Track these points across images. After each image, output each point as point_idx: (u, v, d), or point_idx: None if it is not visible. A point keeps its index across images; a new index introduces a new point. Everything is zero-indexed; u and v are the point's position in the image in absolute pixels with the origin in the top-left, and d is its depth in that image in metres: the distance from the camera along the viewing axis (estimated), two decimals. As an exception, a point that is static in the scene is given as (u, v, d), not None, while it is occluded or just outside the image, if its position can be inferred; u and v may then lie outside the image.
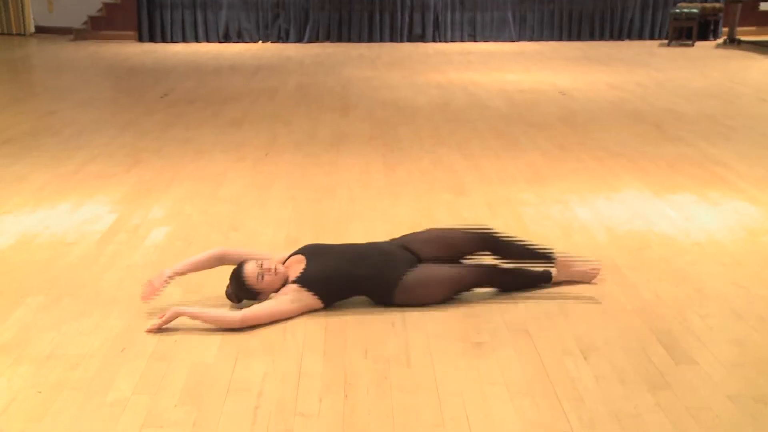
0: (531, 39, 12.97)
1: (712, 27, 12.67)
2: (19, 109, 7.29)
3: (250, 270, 3.18)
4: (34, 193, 4.79)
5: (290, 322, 3.12)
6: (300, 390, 2.64)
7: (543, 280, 3.46)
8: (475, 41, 12.91)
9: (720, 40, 12.46)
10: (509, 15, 12.91)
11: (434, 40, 12.95)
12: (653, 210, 4.49)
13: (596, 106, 7.53)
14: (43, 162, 5.49)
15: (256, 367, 2.79)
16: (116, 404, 2.56)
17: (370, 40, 12.90)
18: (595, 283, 3.46)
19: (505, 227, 4.18)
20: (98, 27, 12.88)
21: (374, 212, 4.45)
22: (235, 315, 3.08)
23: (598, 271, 3.50)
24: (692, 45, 12.13)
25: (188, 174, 5.21)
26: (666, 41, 12.51)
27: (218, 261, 3.36)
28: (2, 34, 12.86)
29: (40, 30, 13.09)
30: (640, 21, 13.03)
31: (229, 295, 3.27)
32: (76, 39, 12.68)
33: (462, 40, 12.96)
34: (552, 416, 2.50)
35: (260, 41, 12.85)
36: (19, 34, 12.89)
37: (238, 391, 2.64)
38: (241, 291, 3.21)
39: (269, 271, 3.17)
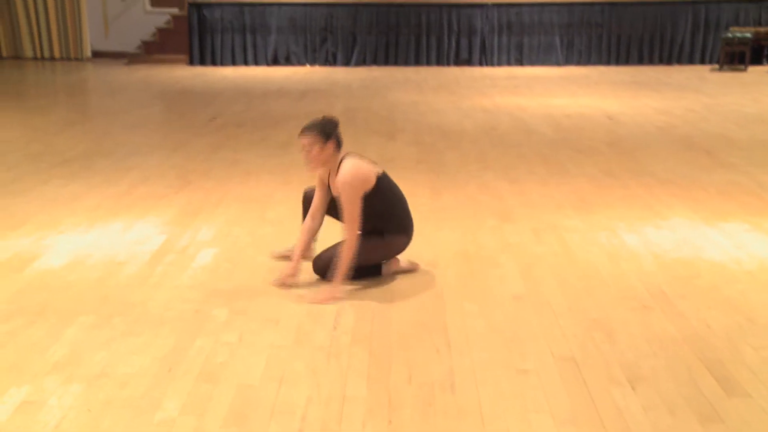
0: (578, 63, 12.91)
1: (765, 52, 12.44)
2: (75, 131, 7.46)
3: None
4: (87, 213, 4.89)
5: (333, 347, 3.13)
6: (344, 414, 2.64)
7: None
8: (521, 65, 12.90)
9: (773, 65, 12.24)
10: (556, 39, 12.88)
11: (480, 64, 12.96)
12: (703, 238, 4.42)
13: (644, 132, 7.45)
14: (97, 183, 5.60)
15: (301, 390, 2.80)
16: (163, 424, 2.59)
17: (417, 63, 12.96)
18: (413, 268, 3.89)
19: (550, 254, 4.16)
20: (151, 51, 13.15)
21: (420, 236, 4.43)
22: (349, 240, 3.59)
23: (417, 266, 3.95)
24: (745, 70, 11.95)
25: (236, 196, 5.27)
26: (717, 66, 12.34)
27: (312, 223, 3.83)
28: (61, 59, 13.21)
29: (96, 54, 13.42)
30: (690, 45, 12.88)
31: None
32: (129, 63, 12.96)
33: (508, 64, 12.96)
34: (598, 447, 2.47)
35: (308, 65, 12.99)
36: (76, 59, 13.23)
37: (283, 414, 2.65)
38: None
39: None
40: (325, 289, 3.61)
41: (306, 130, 3.64)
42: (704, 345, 3.14)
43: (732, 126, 7.67)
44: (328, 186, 3.76)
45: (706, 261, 4.07)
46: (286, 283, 3.72)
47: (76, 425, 2.58)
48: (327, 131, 3.62)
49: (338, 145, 3.67)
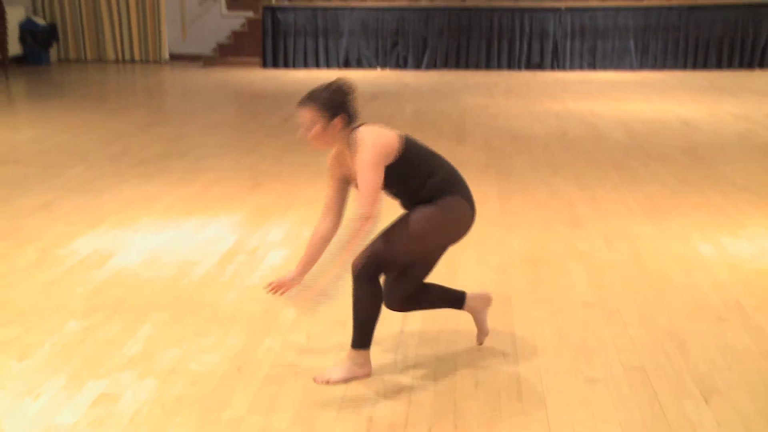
0: (653, 68, 12.64)
1: None
2: (153, 132, 7.65)
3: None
4: (162, 212, 5.01)
5: (401, 349, 3.13)
6: (410, 417, 2.65)
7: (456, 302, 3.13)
8: (594, 70, 12.70)
9: None
10: (631, 43, 12.64)
11: (552, 69, 12.81)
12: (782, 248, 4.28)
13: (722, 139, 7.26)
14: (172, 182, 5.73)
15: (368, 392, 2.82)
16: (232, 422, 2.63)
17: (488, 67, 12.88)
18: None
19: (621, 261, 4.08)
20: (226, 54, 13.38)
21: (488, 240, 4.42)
22: (363, 216, 2.70)
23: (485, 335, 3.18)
24: (829, 74, 11.54)
25: (305, 198, 5.32)
26: (800, 70, 11.94)
27: (324, 223, 2.95)
28: (141, 61, 13.58)
29: (174, 57, 13.74)
30: (772, 49, 12.48)
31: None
32: (205, 65, 13.22)
33: (581, 69, 12.77)
34: (668, 460, 2.42)
35: (379, 68, 13.04)
36: (155, 61, 13.57)
37: (349, 415, 2.67)
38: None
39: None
40: (309, 289, 2.76)
41: (305, 102, 2.80)
42: (781, 359, 3.05)
43: (815, 133, 7.41)
44: (343, 175, 2.92)
45: (784, 272, 3.94)
46: (277, 292, 2.95)
47: (149, 419, 2.64)
48: (334, 104, 2.78)
49: (349, 119, 2.82)
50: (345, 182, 2.94)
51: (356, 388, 2.84)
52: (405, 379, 2.91)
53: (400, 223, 2.86)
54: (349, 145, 2.81)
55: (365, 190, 2.71)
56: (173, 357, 3.08)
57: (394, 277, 2.97)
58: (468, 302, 3.12)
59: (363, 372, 2.91)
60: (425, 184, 2.84)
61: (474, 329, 3.18)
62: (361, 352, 2.90)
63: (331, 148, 2.89)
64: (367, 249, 2.82)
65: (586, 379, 2.91)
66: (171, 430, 2.58)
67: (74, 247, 4.34)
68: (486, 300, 3.16)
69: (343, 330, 3.30)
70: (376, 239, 2.85)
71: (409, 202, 2.89)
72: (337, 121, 2.78)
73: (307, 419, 2.65)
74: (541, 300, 3.63)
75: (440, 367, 3.00)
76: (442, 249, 3.03)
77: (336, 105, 2.78)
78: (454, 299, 3.12)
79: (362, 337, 2.88)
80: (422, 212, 2.83)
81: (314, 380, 2.90)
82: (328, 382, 2.87)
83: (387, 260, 2.85)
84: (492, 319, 3.36)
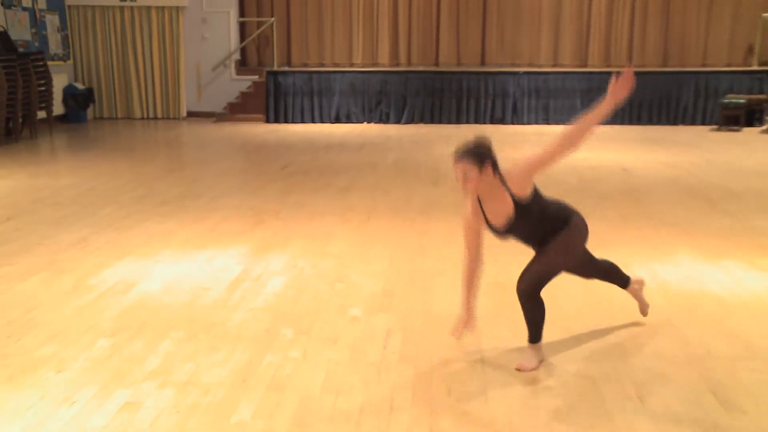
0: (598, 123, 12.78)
1: (757, 115, 12.31)
2: (173, 177, 7.64)
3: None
4: (179, 245, 4.99)
5: (384, 363, 3.13)
6: (391, 423, 2.63)
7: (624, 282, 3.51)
8: (548, 124, 12.83)
9: (765, 127, 12.01)
10: (578, 102, 12.80)
11: (512, 123, 12.93)
12: (705, 274, 4.32)
13: (654, 182, 7.34)
14: (188, 220, 5.71)
15: (355, 400, 2.80)
16: (238, 426, 2.61)
17: (458, 122, 12.99)
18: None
19: (573, 285, 4.09)
20: (235, 111, 13.43)
21: (459, 270, 4.41)
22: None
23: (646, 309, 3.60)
24: (740, 130, 11.74)
25: (302, 233, 5.32)
26: (716, 127, 12.13)
27: (478, 264, 3.15)
28: (163, 118, 13.61)
29: (190, 114, 13.77)
30: (693, 109, 12.70)
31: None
32: (217, 121, 13.25)
33: (537, 123, 12.90)
34: (612, 455, 2.41)
35: (365, 122, 13.12)
36: (174, 118, 13.61)
37: (339, 420, 2.65)
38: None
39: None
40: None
41: (460, 156, 2.91)
42: (706, 368, 3.06)
43: (729, 178, 7.51)
44: (479, 227, 3.10)
45: (707, 294, 3.97)
46: (464, 333, 3.13)
47: (167, 424, 2.62)
48: (481, 153, 2.88)
49: (495, 165, 2.91)
50: (480, 232, 3.12)
51: (345, 397, 2.83)
52: (387, 389, 2.89)
53: (547, 250, 3.07)
54: (501, 181, 2.93)
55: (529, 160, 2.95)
56: (188, 370, 3.06)
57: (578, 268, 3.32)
58: (632, 284, 3.52)
59: (541, 357, 3.12)
60: (557, 212, 3.10)
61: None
62: (538, 345, 3.12)
63: (483, 194, 2.98)
64: (528, 276, 3.08)
65: (544, 387, 2.91)
66: (186, 433, 2.56)
67: (104, 276, 4.32)
68: (640, 283, 3.57)
69: (334, 346, 3.29)
70: (532, 264, 3.10)
71: (541, 231, 3.05)
72: (487, 166, 2.89)
73: (302, 424, 2.63)
74: (505, 320, 3.63)
75: (417, 378, 3.00)
76: (582, 254, 3.28)
77: (483, 154, 2.90)
78: (622, 279, 3.50)
79: (536, 335, 3.12)
80: (560, 238, 3.05)
81: (517, 368, 3.04)
82: (532, 369, 3.04)
83: (545, 278, 3.09)
84: (463, 336, 3.36)
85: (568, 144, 2.97)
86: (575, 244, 3.10)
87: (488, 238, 3.19)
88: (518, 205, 2.93)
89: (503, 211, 2.96)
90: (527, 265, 3.10)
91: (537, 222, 3.00)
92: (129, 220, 5.72)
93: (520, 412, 2.69)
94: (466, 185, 2.92)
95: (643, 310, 3.59)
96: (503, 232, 3.05)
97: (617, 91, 2.96)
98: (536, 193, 3.00)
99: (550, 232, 3.04)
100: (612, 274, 3.47)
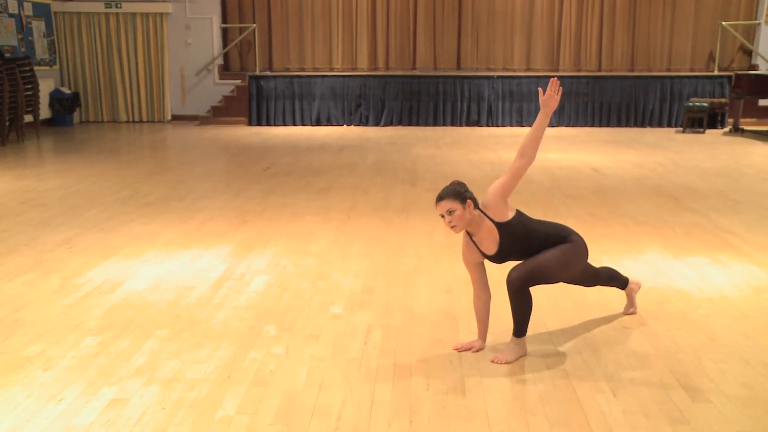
0: (568, 125, 12.90)
1: (719, 118, 12.52)
2: (157, 180, 7.57)
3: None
4: (164, 246, 4.94)
5: (364, 359, 3.11)
6: (372, 416, 2.62)
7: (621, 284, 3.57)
8: (521, 126, 12.90)
9: (726, 129, 12.24)
10: (549, 105, 12.87)
11: (488, 125, 12.99)
12: (672, 270, 4.36)
13: (623, 182, 7.41)
14: (172, 221, 5.66)
15: (336, 395, 2.79)
16: (222, 421, 2.58)
17: (435, 124, 13.02)
18: (633, 312, 3.62)
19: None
20: (218, 114, 13.34)
21: (437, 268, 4.44)
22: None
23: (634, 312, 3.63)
24: (703, 132, 11.91)
25: (284, 233, 5.30)
26: (681, 129, 12.29)
27: (487, 297, 3.20)
28: (147, 121, 13.49)
29: (175, 117, 13.66)
30: (659, 112, 12.85)
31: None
32: (201, 124, 13.15)
33: (511, 125, 12.97)
34: (585, 445, 2.42)
35: (345, 125, 13.10)
36: (159, 121, 13.49)
37: (321, 414, 2.64)
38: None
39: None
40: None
41: (442, 198, 3.02)
42: (674, 360, 3.09)
43: (694, 178, 7.60)
44: (477, 259, 3.16)
45: (674, 289, 4.01)
46: (464, 350, 3.20)
47: (153, 420, 2.58)
48: (461, 192, 3.01)
49: (475, 201, 3.05)
50: (481, 265, 3.18)
51: (327, 392, 2.81)
52: (368, 384, 2.88)
53: (546, 252, 3.06)
54: (482, 213, 3.05)
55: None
56: (174, 367, 3.03)
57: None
58: (630, 285, 3.59)
59: (523, 352, 3.12)
60: (547, 234, 3.10)
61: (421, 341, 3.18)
62: (521, 339, 3.10)
63: (466, 234, 3.12)
64: (521, 267, 3.02)
65: (518, 380, 2.92)
66: (171, 429, 2.53)
67: (90, 276, 4.26)
68: (638, 285, 3.65)
69: (316, 342, 3.27)
70: (528, 260, 3.05)
71: (536, 246, 3.07)
72: (469, 204, 3.00)
73: (285, 418, 2.61)
74: (479, 315, 3.63)
75: (397, 373, 2.99)
76: (579, 272, 3.26)
77: (463, 193, 3.02)
78: (622, 282, 3.56)
79: (521, 329, 3.09)
80: (561, 246, 3.08)
81: (492, 361, 3.05)
82: (507, 362, 3.04)
83: (537, 276, 3.03)
84: (439, 331, 3.37)
85: (526, 159, 3.10)
86: (573, 258, 3.11)
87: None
88: (500, 225, 3.04)
89: (491, 236, 3.06)
90: (523, 260, 3.10)
91: (526, 237, 3.05)
92: (114, 221, 5.65)
93: (496, 405, 2.69)
94: (452, 226, 3.01)
95: (629, 310, 3.62)
96: (499, 256, 3.10)
97: (548, 102, 3.10)
98: (518, 213, 3.09)
99: (550, 246, 3.07)
100: (613, 279, 3.53)
